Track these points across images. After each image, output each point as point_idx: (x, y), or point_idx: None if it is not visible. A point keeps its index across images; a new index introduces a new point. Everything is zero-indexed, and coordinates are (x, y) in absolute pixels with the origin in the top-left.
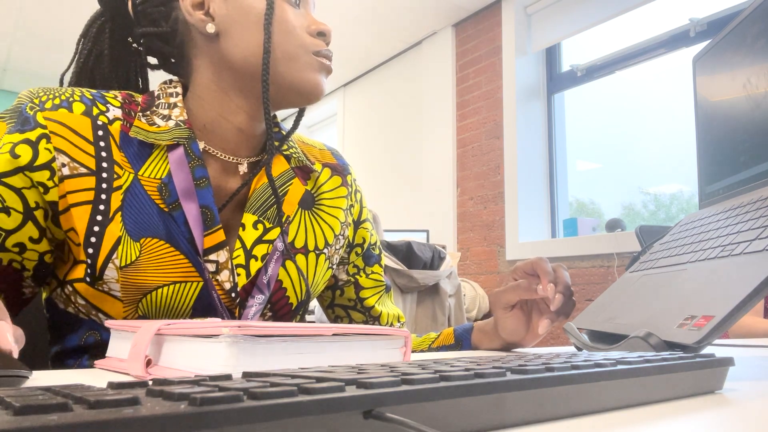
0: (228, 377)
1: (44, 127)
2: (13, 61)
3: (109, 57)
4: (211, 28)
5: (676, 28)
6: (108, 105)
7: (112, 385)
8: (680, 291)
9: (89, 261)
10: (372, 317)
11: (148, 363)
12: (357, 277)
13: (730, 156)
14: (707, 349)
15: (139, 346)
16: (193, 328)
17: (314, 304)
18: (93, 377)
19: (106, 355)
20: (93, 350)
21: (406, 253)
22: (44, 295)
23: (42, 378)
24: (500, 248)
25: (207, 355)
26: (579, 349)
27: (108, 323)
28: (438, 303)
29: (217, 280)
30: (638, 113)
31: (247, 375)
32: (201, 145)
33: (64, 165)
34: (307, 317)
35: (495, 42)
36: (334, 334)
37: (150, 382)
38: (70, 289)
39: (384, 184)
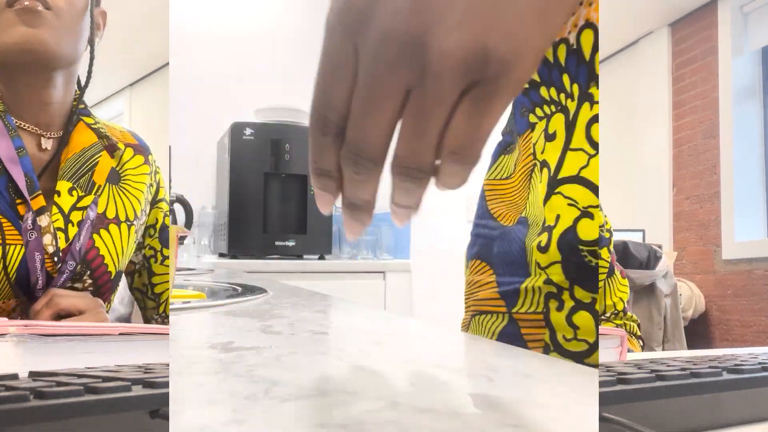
0: (14, 377)
1: None
2: None
3: None
4: None
5: None
6: None
7: None
8: None
9: None
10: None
11: None
12: (151, 260)
13: None
14: None
15: None
16: None
17: None
18: None
19: None
20: None
21: (621, 252)
22: None
23: None
24: (716, 248)
25: None
26: None
27: None
28: (654, 303)
29: (42, 244)
30: None
31: (33, 374)
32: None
33: None
34: None
35: (711, 41)
36: (121, 333)
37: None
38: None
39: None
